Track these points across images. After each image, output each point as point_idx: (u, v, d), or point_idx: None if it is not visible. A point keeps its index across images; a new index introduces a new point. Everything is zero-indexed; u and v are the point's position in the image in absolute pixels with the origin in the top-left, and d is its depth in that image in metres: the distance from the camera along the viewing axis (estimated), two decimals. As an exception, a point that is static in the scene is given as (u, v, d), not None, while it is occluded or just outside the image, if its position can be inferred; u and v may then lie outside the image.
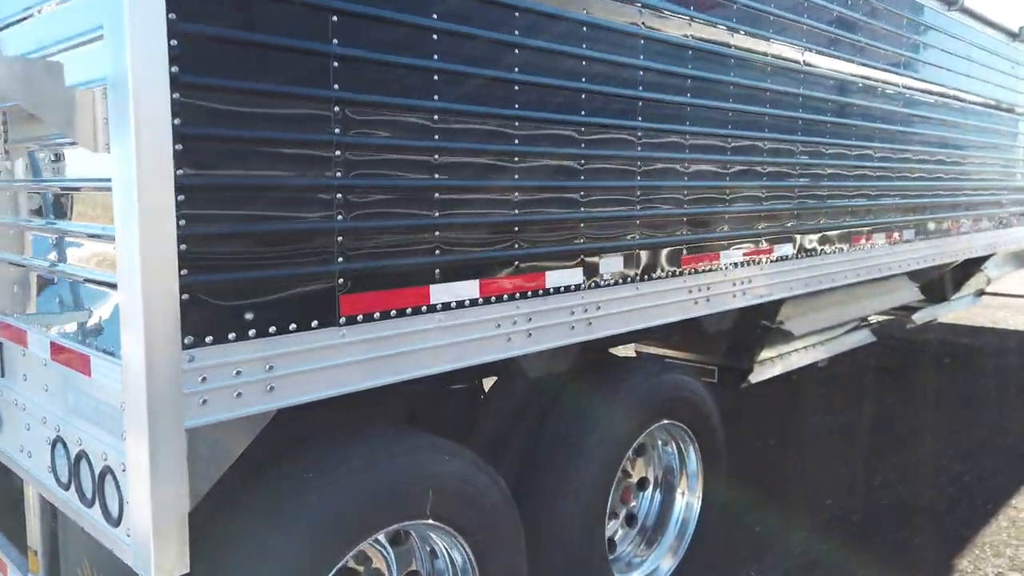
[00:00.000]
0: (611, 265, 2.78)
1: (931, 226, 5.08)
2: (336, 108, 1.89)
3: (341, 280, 1.94)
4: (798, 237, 3.78)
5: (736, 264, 3.38)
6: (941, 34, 5.01)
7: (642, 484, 3.42)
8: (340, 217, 1.92)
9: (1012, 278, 9.11)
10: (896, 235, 4.68)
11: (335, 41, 1.88)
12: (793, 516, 4.24)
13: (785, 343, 4.74)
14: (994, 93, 5.83)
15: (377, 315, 2.03)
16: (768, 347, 4.62)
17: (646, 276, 2.93)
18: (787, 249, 3.71)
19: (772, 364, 4.80)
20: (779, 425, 5.82)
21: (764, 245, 3.55)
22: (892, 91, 4.44)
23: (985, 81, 5.67)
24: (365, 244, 1.98)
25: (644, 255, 2.91)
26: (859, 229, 4.29)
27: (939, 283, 7.17)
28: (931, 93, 4.90)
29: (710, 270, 3.25)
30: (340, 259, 1.93)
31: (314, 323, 1.89)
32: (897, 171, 4.59)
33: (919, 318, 6.95)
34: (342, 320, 1.95)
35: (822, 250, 3.99)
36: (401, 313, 2.08)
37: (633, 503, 3.36)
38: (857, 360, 7.56)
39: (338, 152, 1.91)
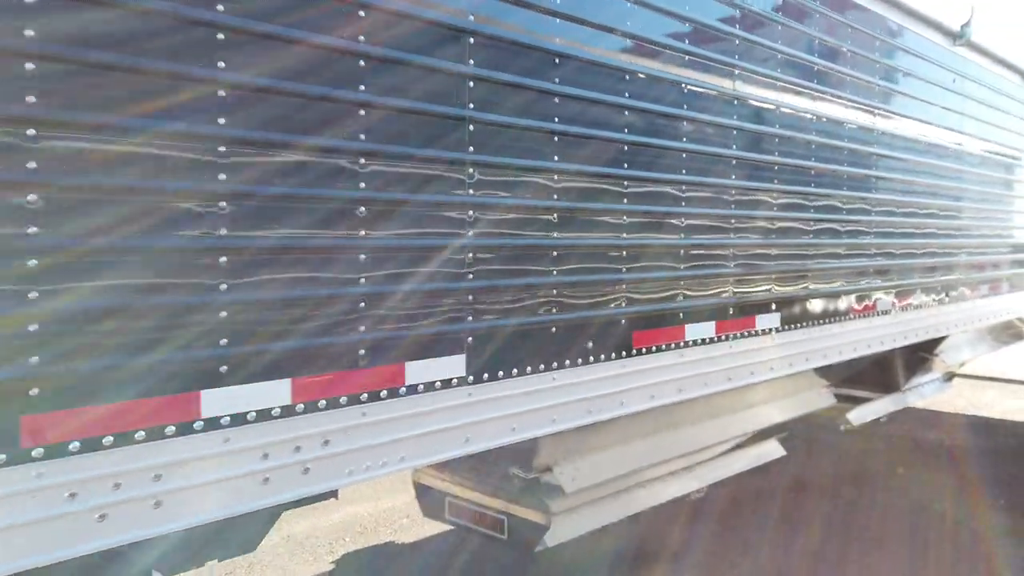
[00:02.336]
0: None
1: (808, 308, 3.28)
2: None
3: None
4: (486, 347, 2.02)
5: (301, 410, 1.61)
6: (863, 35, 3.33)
7: None
8: None
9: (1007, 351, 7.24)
10: (734, 325, 2.89)
11: None
12: None
13: (590, 491, 3.06)
14: (930, 115, 4.09)
15: None
16: (557, 498, 2.91)
17: None
18: (450, 367, 1.94)
19: (585, 515, 3.10)
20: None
21: (389, 366, 1.78)
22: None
23: (914, 97, 3.95)
24: None
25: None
26: (649, 319, 2.52)
27: (888, 369, 5.41)
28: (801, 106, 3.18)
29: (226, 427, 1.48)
30: None
31: None
32: (738, 222, 2.84)
33: (856, 418, 5.19)
34: None
35: (552, 364, 2.21)
36: None
37: None
38: (771, 473, 5.68)
39: None
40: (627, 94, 2.41)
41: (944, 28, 4.28)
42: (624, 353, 2.44)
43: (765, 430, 3.96)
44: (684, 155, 2.63)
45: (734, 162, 2.84)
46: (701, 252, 2.70)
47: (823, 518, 5.06)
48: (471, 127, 1.96)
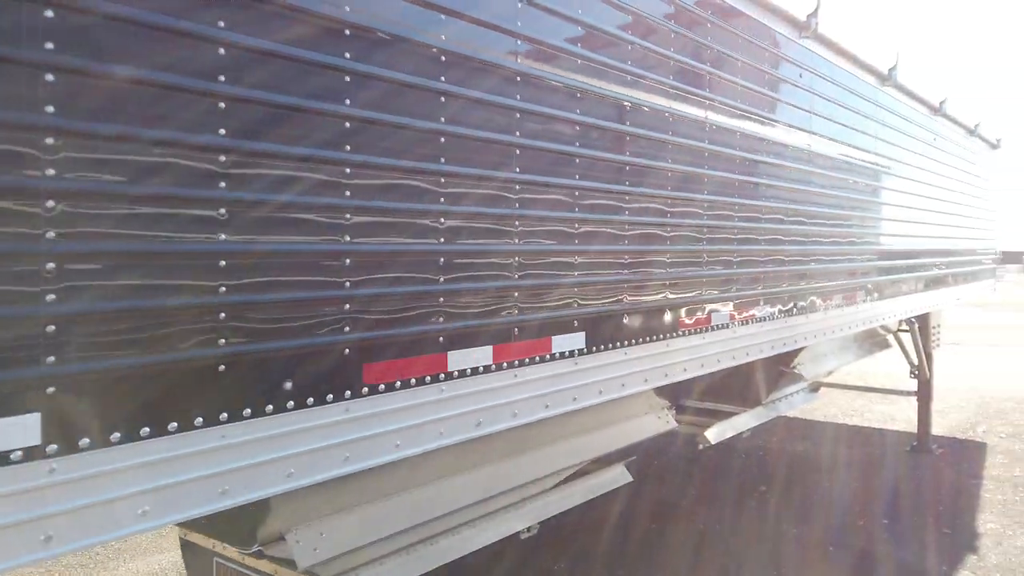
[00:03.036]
0: None
1: (624, 325, 2.80)
2: None
3: None
4: (88, 401, 1.38)
5: None
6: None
7: None
8: None
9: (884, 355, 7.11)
10: (521, 349, 2.36)
11: None
12: None
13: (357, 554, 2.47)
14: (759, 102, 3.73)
15: None
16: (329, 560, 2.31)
17: None
18: (12, 433, 1.30)
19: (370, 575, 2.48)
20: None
21: None
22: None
23: (755, 90, 3.57)
24: None
25: None
26: (389, 347, 1.94)
27: (748, 382, 5.09)
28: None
29: None
30: None
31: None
32: (524, 224, 2.31)
33: (715, 435, 4.80)
34: None
35: (220, 417, 1.60)
36: None
37: None
38: (620, 499, 5.26)
39: None
40: (347, 54, 1.83)
41: (789, 18, 3.95)
42: (349, 393, 1.86)
43: (598, 460, 3.50)
44: (443, 138, 2.08)
45: (518, 151, 2.31)
46: (470, 260, 2.15)
47: (674, 548, 4.65)
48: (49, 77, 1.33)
